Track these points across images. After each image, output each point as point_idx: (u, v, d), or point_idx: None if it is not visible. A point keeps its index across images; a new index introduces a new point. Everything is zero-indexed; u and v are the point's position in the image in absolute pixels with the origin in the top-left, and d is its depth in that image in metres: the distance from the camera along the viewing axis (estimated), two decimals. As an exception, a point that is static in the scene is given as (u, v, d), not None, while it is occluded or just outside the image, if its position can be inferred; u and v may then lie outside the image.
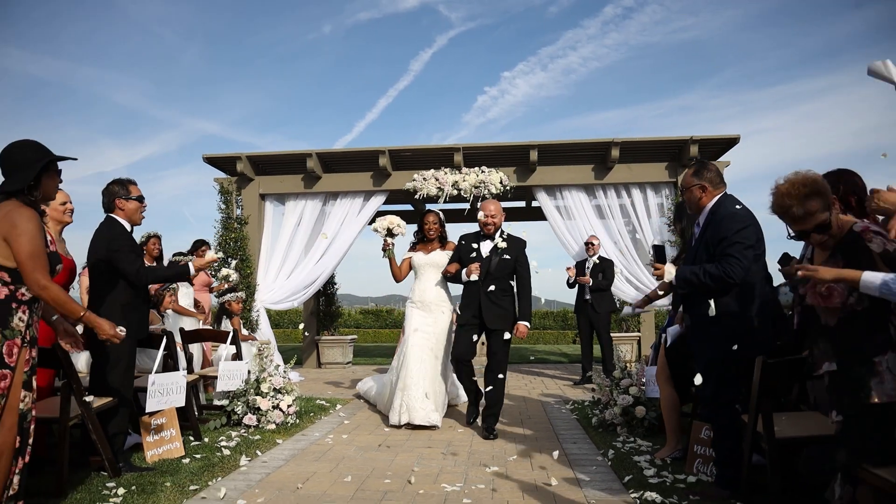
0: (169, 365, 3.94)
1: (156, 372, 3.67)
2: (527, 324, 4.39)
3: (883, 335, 2.02)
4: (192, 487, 3.08)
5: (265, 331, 7.88)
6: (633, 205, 8.06)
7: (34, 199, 2.47)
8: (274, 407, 4.56)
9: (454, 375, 5.09)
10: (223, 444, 4.00)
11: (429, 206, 5.43)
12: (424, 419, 4.50)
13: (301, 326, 6.98)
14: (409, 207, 9.88)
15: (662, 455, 3.69)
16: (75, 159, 2.69)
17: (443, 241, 5.04)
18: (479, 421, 4.63)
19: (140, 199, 3.60)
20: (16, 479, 2.35)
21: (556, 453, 3.77)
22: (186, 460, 3.58)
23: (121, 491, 2.94)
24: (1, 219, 2.32)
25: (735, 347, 2.76)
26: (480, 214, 4.54)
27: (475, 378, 4.64)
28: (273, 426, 4.52)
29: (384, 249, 5.07)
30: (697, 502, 2.85)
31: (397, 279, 5.07)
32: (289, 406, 4.64)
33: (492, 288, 4.36)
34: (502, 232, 4.55)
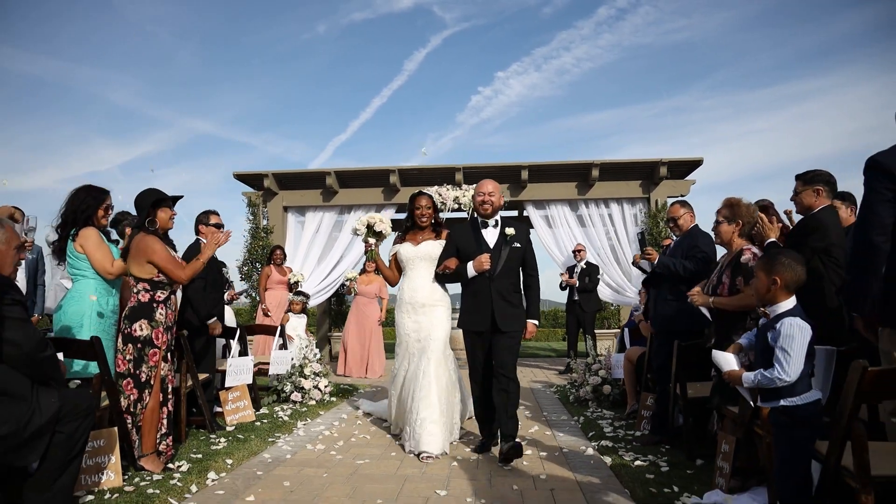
0: (239, 352, 5.05)
1: (232, 357, 4.78)
2: (536, 322, 3.81)
3: (742, 322, 3.16)
4: (269, 439, 4.19)
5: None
6: (610, 216, 9.22)
7: (154, 228, 3.55)
8: (314, 387, 5.67)
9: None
10: (280, 413, 5.11)
11: (421, 190, 4.45)
12: (438, 447, 3.77)
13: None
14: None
15: (627, 411, 4.88)
16: (181, 196, 3.77)
17: (436, 230, 4.21)
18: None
19: (217, 226, 4.72)
20: (165, 421, 3.46)
21: (540, 419, 4.90)
22: (257, 423, 4.69)
23: (222, 440, 4.05)
24: (140, 249, 3.43)
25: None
26: (476, 195, 3.85)
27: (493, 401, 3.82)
28: (314, 402, 5.63)
29: (367, 252, 4.53)
30: (638, 446, 3.98)
31: (392, 282, 4.38)
32: (325, 387, 5.75)
33: (503, 283, 3.70)
34: (503, 218, 3.92)
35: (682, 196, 9.00)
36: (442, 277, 4.00)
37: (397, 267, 4.30)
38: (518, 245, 3.77)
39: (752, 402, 2.36)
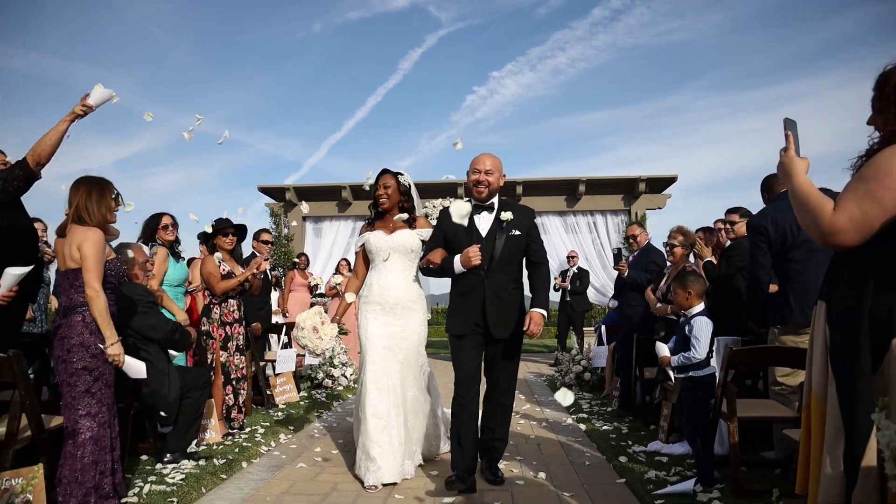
0: (284, 345, 6.12)
1: (281, 349, 5.85)
2: (543, 312, 3.11)
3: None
4: (315, 414, 5.26)
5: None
6: (595, 225, 10.34)
7: (215, 251, 4.57)
8: (342, 374, 6.74)
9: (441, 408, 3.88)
10: (316, 395, 6.18)
11: (387, 168, 3.67)
12: (395, 474, 3.22)
13: None
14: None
15: (604, 393, 5.96)
16: (241, 225, 4.76)
17: (409, 218, 3.62)
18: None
19: (265, 242, 5.81)
20: (230, 396, 4.50)
21: (531, 400, 5.99)
22: (301, 403, 5.75)
23: (280, 413, 5.12)
24: (201, 264, 4.49)
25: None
26: (469, 172, 3.22)
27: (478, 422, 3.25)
28: (341, 387, 6.69)
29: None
30: (608, 418, 5.07)
31: (361, 279, 3.73)
32: (350, 374, 6.81)
33: (499, 279, 3.12)
34: (502, 201, 3.28)
35: (658, 208, 10.13)
36: (426, 272, 3.36)
37: (365, 260, 3.68)
38: (517, 232, 3.15)
39: (672, 376, 3.44)
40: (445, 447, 3.81)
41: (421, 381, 3.56)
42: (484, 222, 3.21)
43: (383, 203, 3.59)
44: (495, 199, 3.24)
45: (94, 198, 2.87)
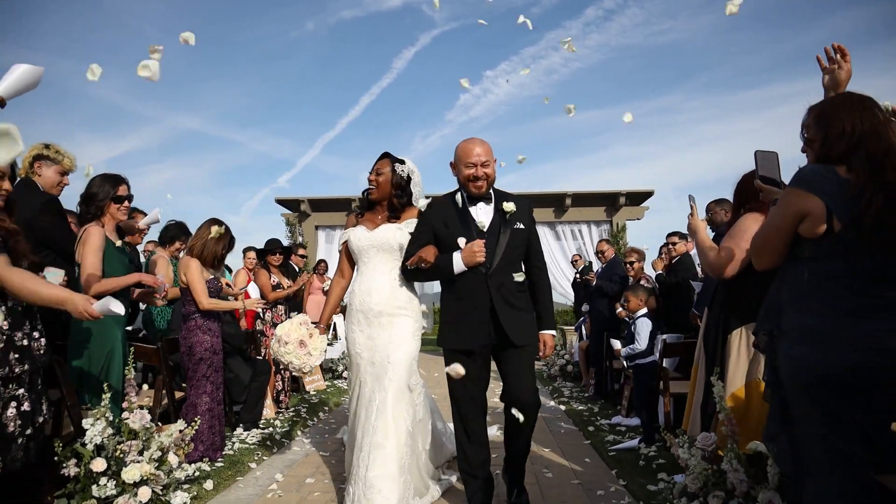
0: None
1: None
2: (553, 332, 2.86)
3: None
4: (342, 398, 6.33)
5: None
6: (580, 234, 11.45)
7: (263, 264, 5.66)
8: (359, 367, 7.81)
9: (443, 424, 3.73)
10: (338, 384, 7.25)
11: (388, 152, 3.14)
12: None
13: None
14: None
15: (582, 384, 7.06)
16: (286, 247, 5.88)
17: (394, 212, 3.05)
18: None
19: (303, 256, 6.86)
20: (279, 383, 5.56)
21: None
22: (328, 389, 6.82)
23: (314, 398, 6.18)
24: (255, 277, 5.56)
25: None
26: (461, 164, 2.77)
27: (489, 451, 2.94)
28: (358, 378, 7.77)
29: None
30: (584, 401, 6.16)
31: (346, 281, 3.28)
32: (366, 367, 7.89)
33: (503, 280, 2.72)
34: (496, 190, 2.87)
35: (637, 219, 11.26)
36: (414, 274, 2.88)
37: (349, 259, 3.21)
38: (521, 226, 2.79)
39: (625, 364, 4.55)
40: (446, 481, 3.31)
41: (416, 403, 2.99)
42: (483, 214, 2.79)
43: (373, 194, 3.05)
44: (491, 190, 2.85)
45: (214, 240, 3.90)
